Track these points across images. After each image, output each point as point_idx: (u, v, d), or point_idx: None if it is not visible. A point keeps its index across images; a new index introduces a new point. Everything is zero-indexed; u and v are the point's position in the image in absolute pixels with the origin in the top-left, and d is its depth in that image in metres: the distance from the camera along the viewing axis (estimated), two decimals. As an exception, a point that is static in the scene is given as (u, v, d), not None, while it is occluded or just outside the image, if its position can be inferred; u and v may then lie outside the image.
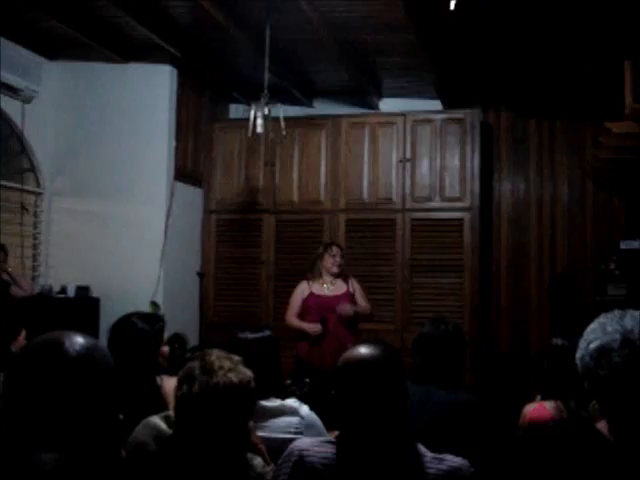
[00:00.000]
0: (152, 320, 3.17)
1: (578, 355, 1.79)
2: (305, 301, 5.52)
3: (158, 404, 2.69)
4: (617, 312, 1.84)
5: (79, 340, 1.37)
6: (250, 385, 1.98)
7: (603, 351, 1.73)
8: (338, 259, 5.51)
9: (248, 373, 1.99)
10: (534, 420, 2.79)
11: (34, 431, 1.27)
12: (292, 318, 5.55)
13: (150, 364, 2.97)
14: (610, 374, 1.72)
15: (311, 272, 5.59)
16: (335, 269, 5.51)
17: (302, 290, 5.56)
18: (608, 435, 1.74)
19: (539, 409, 2.55)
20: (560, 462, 1.66)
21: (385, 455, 1.84)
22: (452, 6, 3.37)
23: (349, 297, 5.50)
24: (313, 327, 5.38)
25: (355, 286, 5.59)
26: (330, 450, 1.91)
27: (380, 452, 1.84)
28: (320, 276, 5.54)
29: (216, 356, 1.99)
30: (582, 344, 1.79)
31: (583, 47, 5.56)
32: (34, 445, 1.24)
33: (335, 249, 5.55)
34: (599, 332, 1.77)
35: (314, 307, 5.46)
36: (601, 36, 5.27)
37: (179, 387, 1.95)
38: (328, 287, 5.52)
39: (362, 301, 5.56)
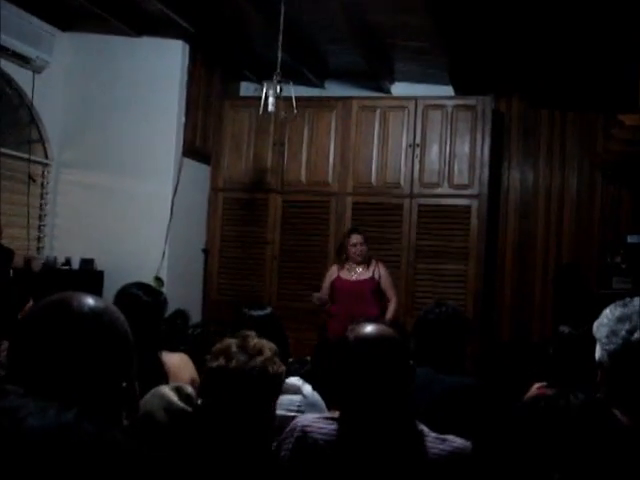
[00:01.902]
0: (155, 293, 3.18)
1: (612, 347, 1.77)
2: (332, 284, 5.80)
3: (160, 377, 2.69)
4: (635, 301, 1.83)
5: (89, 301, 1.33)
6: (281, 378, 2.03)
7: None
8: (359, 247, 5.73)
9: (282, 367, 2.02)
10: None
11: (37, 392, 1.24)
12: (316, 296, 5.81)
13: (153, 337, 2.97)
14: None
15: (338, 257, 5.89)
16: (358, 258, 5.75)
17: (331, 274, 5.87)
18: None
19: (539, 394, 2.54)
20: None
21: (387, 433, 1.85)
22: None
23: (373, 283, 5.72)
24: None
25: (382, 272, 5.80)
26: (332, 427, 1.92)
27: (382, 430, 1.84)
28: (346, 261, 5.78)
29: (257, 340, 2.02)
30: (613, 336, 1.78)
31: (598, 38, 5.51)
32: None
33: (355, 237, 5.75)
34: (637, 321, 1.76)
35: (340, 290, 5.73)
36: (617, 28, 5.22)
37: (214, 358, 1.96)
38: (354, 273, 5.75)
39: (388, 287, 5.78)
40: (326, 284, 5.88)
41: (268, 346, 1.99)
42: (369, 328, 1.89)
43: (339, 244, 6.00)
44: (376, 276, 5.74)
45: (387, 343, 1.87)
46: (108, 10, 5.85)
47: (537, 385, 2.72)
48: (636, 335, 1.76)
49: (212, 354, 1.96)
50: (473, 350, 6.08)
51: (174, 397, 1.94)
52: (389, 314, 5.71)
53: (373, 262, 5.82)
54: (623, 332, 1.77)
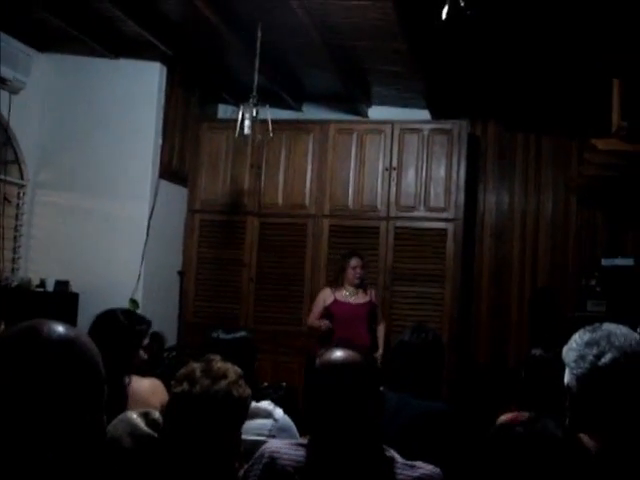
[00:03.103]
0: (136, 319, 3.16)
1: (580, 371, 1.79)
2: (329, 308, 5.79)
3: (120, 404, 2.67)
4: (604, 326, 1.85)
5: (59, 329, 1.30)
6: (247, 401, 2.00)
7: (617, 364, 1.75)
8: (359, 270, 5.79)
9: (248, 390, 2.00)
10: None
11: (9, 425, 1.20)
12: (312, 320, 5.87)
13: (122, 362, 2.94)
14: (623, 387, 1.74)
15: (335, 281, 5.90)
16: (356, 281, 5.80)
17: (325, 297, 5.86)
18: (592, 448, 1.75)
19: (514, 422, 2.54)
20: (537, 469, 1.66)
21: (356, 460, 1.84)
22: (444, 15, 3.38)
23: (371, 307, 5.82)
24: (321, 323, 5.72)
25: (377, 298, 5.95)
26: (301, 453, 1.90)
27: (350, 456, 1.83)
28: (342, 285, 5.82)
29: (221, 364, 2.00)
30: (580, 360, 1.79)
31: (572, 63, 5.59)
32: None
33: (356, 260, 5.81)
34: (605, 346, 1.78)
35: (338, 313, 5.73)
36: (590, 53, 5.29)
37: (178, 384, 1.95)
38: (351, 296, 5.80)
39: (379, 311, 5.94)
40: (319, 308, 5.87)
41: (233, 369, 1.98)
42: (337, 354, 1.89)
43: (337, 269, 6.00)
44: (374, 299, 5.86)
45: (354, 369, 1.86)
46: (86, 32, 5.84)
47: (507, 415, 2.70)
48: (603, 360, 1.77)
49: (176, 379, 1.95)
50: (449, 373, 6.10)
51: (140, 423, 1.92)
52: (382, 335, 5.86)
53: (369, 286, 5.92)
54: (591, 357, 1.79)
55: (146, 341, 3.13)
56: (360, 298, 5.80)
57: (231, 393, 1.91)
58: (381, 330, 5.85)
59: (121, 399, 2.80)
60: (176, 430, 1.89)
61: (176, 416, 1.91)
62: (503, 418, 2.57)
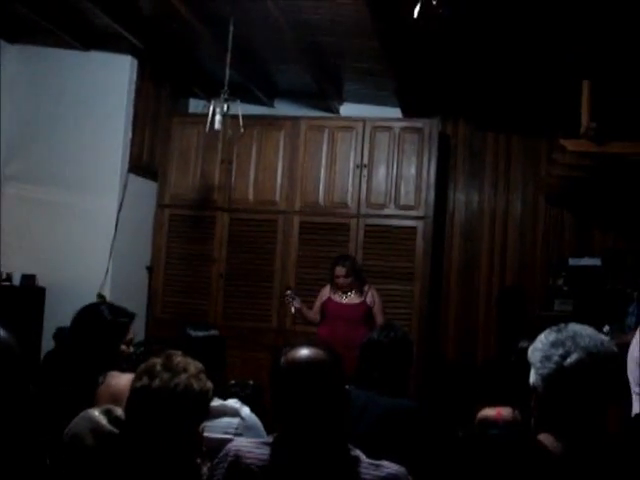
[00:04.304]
0: (118, 312, 3.11)
1: (545, 371, 1.80)
2: (323, 305, 5.83)
3: (88, 398, 2.63)
4: (569, 326, 1.86)
5: None
6: (208, 395, 1.98)
7: (582, 364, 1.76)
8: (342, 280, 5.77)
9: (209, 384, 1.98)
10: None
11: None
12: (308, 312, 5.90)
13: (104, 356, 2.90)
14: (592, 386, 1.76)
15: (330, 282, 5.89)
16: (342, 289, 5.79)
17: (323, 294, 5.89)
18: (552, 448, 1.76)
19: (496, 417, 2.57)
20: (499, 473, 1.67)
21: (320, 459, 1.83)
22: (415, 13, 3.38)
23: (364, 307, 5.76)
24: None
25: (375, 298, 5.84)
26: (266, 452, 1.90)
27: (315, 455, 1.83)
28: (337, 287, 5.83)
29: (182, 358, 1.98)
30: (546, 360, 1.80)
31: (543, 64, 5.63)
32: None
33: (339, 270, 5.79)
34: (570, 346, 1.79)
35: (329, 312, 5.77)
36: (561, 54, 5.34)
37: (137, 379, 1.93)
38: (345, 296, 5.80)
39: (378, 313, 5.80)
40: (317, 304, 5.89)
41: (194, 364, 1.96)
42: (301, 352, 1.88)
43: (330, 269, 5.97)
44: (369, 301, 5.78)
45: (318, 367, 1.86)
46: (56, 23, 5.78)
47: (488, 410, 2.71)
48: (569, 360, 1.78)
49: (136, 374, 1.93)
50: (417, 370, 6.13)
51: (102, 419, 1.91)
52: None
53: (366, 287, 5.85)
54: (556, 357, 1.80)
55: (130, 335, 3.09)
56: (353, 299, 5.78)
57: (191, 387, 1.89)
58: None
59: (90, 396, 2.75)
60: (137, 425, 1.88)
61: (136, 411, 1.89)
62: (485, 413, 2.58)
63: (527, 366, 2.53)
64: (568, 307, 6.34)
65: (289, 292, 5.72)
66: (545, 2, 4.54)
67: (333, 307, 5.76)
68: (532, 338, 2.62)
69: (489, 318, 6.98)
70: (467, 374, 6.55)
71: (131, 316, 3.12)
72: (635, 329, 4.68)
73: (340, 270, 5.75)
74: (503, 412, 2.56)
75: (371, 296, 5.81)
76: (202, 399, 1.94)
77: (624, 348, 4.60)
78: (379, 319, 5.75)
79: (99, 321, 2.99)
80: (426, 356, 6.44)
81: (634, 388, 4.34)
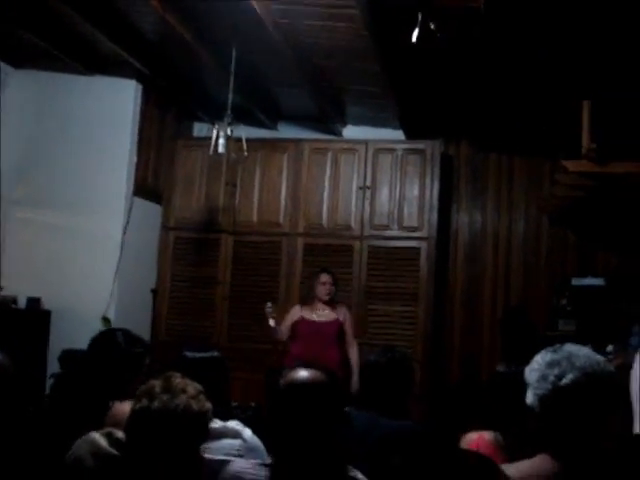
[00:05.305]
0: (133, 341, 3.07)
1: (541, 392, 1.81)
2: (295, 325, 5.77)
3: (97, 423, 2.63)
4: (565, 346, 1.88)
5: None
6: (207, 416, 1.99)
7: (577, 384, 1.77)
8: (328, 286, 5.76)
9: (208, 404, 1.99)
10: None
11: None
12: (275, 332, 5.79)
13: (115, 386, 2.88)
14: (587, 407, 1.77)
15: (305, 298, 5.91)
16: (325, 297, 5.77)
17: (293, 314, 5.84)
18: (548, 470, 1.77)
19: (478, 441, 2.56)
20: None
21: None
22: (414, 38, 3.43)
23: (337, 325, 5.74)
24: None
25: (347, 316, 5.84)
26: (264, 473, 1.91)
27: (313, 477, 1.84)
28: (313, 302, 5.79)
29: (181, 379, 2.00)
30: (542, 381, 1.82)
31: (544, 85, 5.66)
32: None
33: (325, 276, 5.80)
34: (566, 366, 1.80)
35: (303, 331, 5.72)
36: (561, 75, 5.37)
37: (137, 401, 1.95)
38: (318, 314, 5.76)
39: (349, 332, 5.80)
40: (287, 323, 5.82)
41: (192, 385, 1.98)
42: (301, 374, 1.90)
43: (309, 286, 5.97)
44: (341, 319, 5.77)
45: (318, 389, 1.87)
46: (62, 49, 5.85)
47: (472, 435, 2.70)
48: (564, 380, 1.80)
49: (136, 396, 1.95)
50: (422, 391, 6.12)
51: (103, 442, 1.92)
52: (355, 358, 5.74)
53: (338, 305, 5.85)
54: (552, 377, 1.81)
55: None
56: (327, 317, 5.75)
57: (190, 407, 1.91)
58: (353, 353, 5.74)
59: (99, 421, 2.74)
60: (137, 447, 1.89)
61: (136, 433, 1.91)
62: (468, 440, 2.58)
63: (502, 389, 2.55)
64: (572, 327, 6.34)
65: (270, 305, 5.68)
66: (545, 24, 4.59)
67: (307, 326, 5.72)
68: (509, 362, 2.64)
69: (493, 338, 6.96)
70: (470, 395, 6.52)
71: (147, 347, 3.10)
72: (638, 349, 4.68)
73: (326, 277, 5.77)
74: (485, 436, 2.56)
75: (343, 313, 5.81)
76: (201, 420, 1.95)
77: (627, 368, 4.60)
78: (350, 338, 5.79)
79: (115, 349, 2.96)
80: (430, 376, 6.43)
81: (636, 407, 4.33)
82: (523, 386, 1.97)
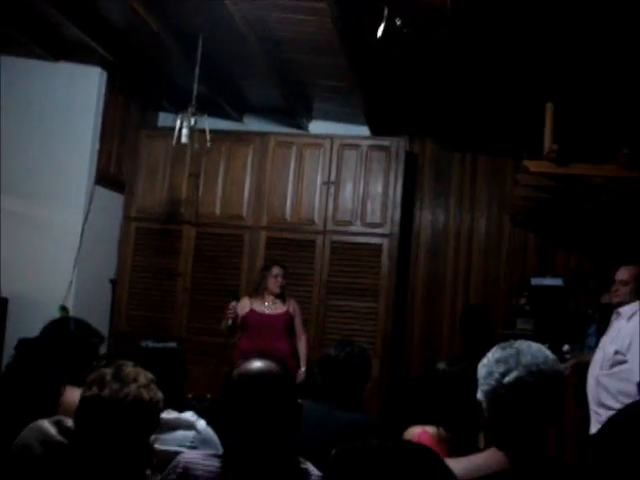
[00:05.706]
0: (88, 332, 3.08)
1: (486, 388, 1.83)
2: (245, 317, 5.68)
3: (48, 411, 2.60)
4: (515, 343, 1.90)
5: None
6: (159, 405, 1.98)
7: (520, 382, 1.78)
8: (280, 280, 5.73)
9: (159, 394, 1.98)
10: None
11: None
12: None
13: (67, 373, 2.87)
14: (530, 405, 1.78)
15: (255, 290, 5.80)
16: (277, 290, 5.74)
17: (243, 306, 5.73)
18: (496, 465, 1.78)
19: (421, 435, 2.59)
20: None
21: (270, 471, 1.84)
22: (379, 33, 3.43)
23: (288, 318, 5.72)
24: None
25: (296, 308, 5.82)
26: (216, 464, 1.90)
27: (265, 468, 1.84)
28: (262, 295, 5.72)
29: (132, 368, 1.98)
30: (488, 377, 1.83)
31: (508, 86, 5.71)
32: None
33: (277, 269, 5.77)
34: (512, 364, 1.82)
35: (253, 323, 5.64)
36: (525, 77, 5.42)
37: (87, 388, 1.93)
38: (268, 306, 5.71)
39: (299, 324, 5.81)
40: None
41: (144, 374, 1.97)
42: (254, 365, 1.90)
43: (258, 278, 5.91)
44: (291, 311, 5.75)
45: (270, 380, 1.87)
46: (26, 34, 5.76)
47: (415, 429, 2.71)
48: (507, 378, 1.81)
49: (86, 384, 1.93)
50: (381, 386, 6.16)
51: (52, 430, 1.90)
52: (304, 350, 5.77)
53: (287, 298, 5.83)
54: (497, 374, 1.83)
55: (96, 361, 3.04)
56: (277, 309, 5.72)
57: (141, 396, 1.90)
58: (302, 345, 5.77)
59: (51, 408, 2.72)
60: (86, 435, 1.87)
61: (86, 420, 1.89)
62: (411, 433, 2.60)
63: (444, 386, 2.58)
64: (529, 326, 6.41)
65: (234, 304, 5.64)
66: (510, 25, 4.62)
67: (256, 318, 5.66)
68: (450, 360, 2.67)
69: (453, 335, 7.02)
70: (429, 391, 6.56)
71: (101, 338, 3.11)
72: (594, 350, 4.75)
73: (278, 269, 5.75)
74: (428, 430, 2.59)
75: (293, 306, 5.80)
76: (152, 409, 1.94)
77: (584, 367, 4.67)
78: (300, 330, 5.81)
79: (66, 336, 2.96)
80: (389, 371, 6.46)
81: (592, 407, 4.39)
82: (462, 384, 1.98)
